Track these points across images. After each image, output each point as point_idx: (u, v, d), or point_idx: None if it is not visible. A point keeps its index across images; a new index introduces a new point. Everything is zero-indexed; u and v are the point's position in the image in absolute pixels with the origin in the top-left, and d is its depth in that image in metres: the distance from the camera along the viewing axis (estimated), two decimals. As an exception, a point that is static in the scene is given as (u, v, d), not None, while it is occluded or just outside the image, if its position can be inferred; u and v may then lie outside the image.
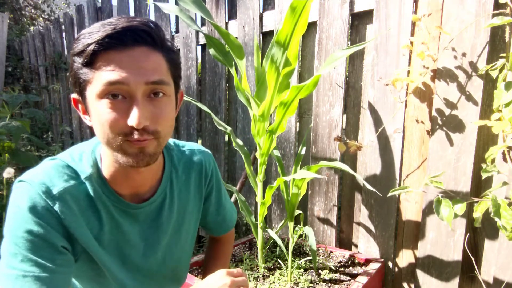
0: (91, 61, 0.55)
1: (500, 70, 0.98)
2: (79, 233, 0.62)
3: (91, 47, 0.54)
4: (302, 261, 1.30)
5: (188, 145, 0.82)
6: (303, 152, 1.30)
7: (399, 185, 1.28)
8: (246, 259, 1.34)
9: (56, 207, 0.59)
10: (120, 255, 0.70)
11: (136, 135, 0.56)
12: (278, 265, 1.31)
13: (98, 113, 0.56)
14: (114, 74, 0.54)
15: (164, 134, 0.61)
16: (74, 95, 0.62)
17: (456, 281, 1.18)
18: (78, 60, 0.56)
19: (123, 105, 0.56)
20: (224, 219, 0.91)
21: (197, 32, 1.95)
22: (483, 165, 0.99)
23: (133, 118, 0.55)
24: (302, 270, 1.27)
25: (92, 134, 3.13)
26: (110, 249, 0.68)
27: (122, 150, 0.58)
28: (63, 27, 3.24)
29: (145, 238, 0.72)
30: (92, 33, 0.55)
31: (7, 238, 0.57)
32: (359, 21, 1.38)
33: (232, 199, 1.66)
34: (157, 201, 0.73)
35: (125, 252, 0.70)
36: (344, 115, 1.45)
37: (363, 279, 1.14)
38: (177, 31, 2.17)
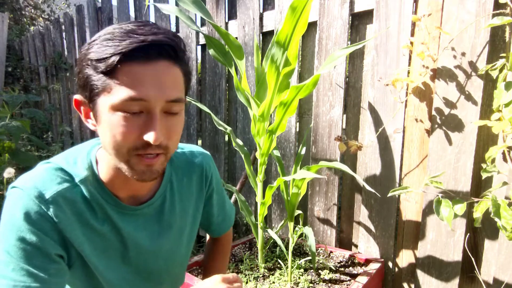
0: (112, 71, 0.53)
1: (500, 70, 0.98)
2: (74, 236, 0.61)
3: (115, 58, 0.52)
4: (302, 261, 1.30)
5: (187, 147, 0.82)
6: (303, 152, 1.30)
7: (399, 185, 1.28)
8: (246, 259, 1.34)
9: (50, 211, 0.58)
10: (118, 259, 0.68)
11: (147, 150, 0.56)
12: (278, 265, 1.31)
13: (111, 124, 0.55)
14: (136, 90, 0.53)
15: (173, 149, 0.61)
16: (78, 97, 0.60)
17: (456, 281, 1.18)
18: (95, 66, 0.53)
19: (139, 119, 0.55)
20: (224, 219, 0.92)
21: (197, 32, 1.95)
22: (483, 165, 0.99)
23: (151, 135, 0.54)
24: (302, 270, 1.27)
25: (92, 135, 3.14)
26: (107, 253, 0.66)
27: (129, 164, 0.57)
28: (63, 27, 3.24)
29: (146, 242, 0.71)
30: (115, 41, 0.52)
31: (0, 246, 0.56)
32: (359, 21, 1.38)
33: (232, 199, 1.66)
34: (155, 203, 0.72)
35: (124, 256, 0.69)
36: (344, 115, 1.45)
37: (363, 279, 1.14)
38: (177, 31, 2.17)
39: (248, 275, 1.23)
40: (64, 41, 3.25)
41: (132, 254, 0.70)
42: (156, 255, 0.73)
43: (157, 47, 0.54)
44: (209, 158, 0.83)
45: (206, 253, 0.98)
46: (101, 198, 0.64)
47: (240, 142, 1.28)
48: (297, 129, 1.61)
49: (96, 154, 0.66)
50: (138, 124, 0.55)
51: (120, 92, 0.53)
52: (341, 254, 1.39)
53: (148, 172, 0.58)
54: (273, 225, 1.72)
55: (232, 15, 1.83)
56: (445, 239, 1.19)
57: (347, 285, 1.16)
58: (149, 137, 0.54)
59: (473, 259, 1.17)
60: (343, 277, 1.21)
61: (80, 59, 0.56)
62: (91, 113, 0.59)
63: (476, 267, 1.17)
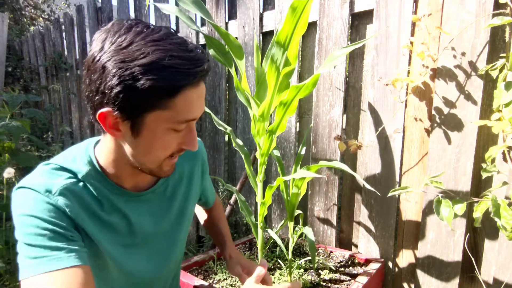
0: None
1: (500, 70, 0.98)
2: (86, 225, 0.64)
3: (185, 88, 0.56)
4: (302, 261, 1.30)
5: None
6: (303, 152, 1.30)
7: (399, 185, 1.28)
8: (246, 259, 1.34)
9: (60, 202, 0.60)
10: (127, 245, 0.72)
11: (180, 153, 0.66)
12: (278, 265, 1.31)
13: (158, 139, 0.60)
14: (191, 113, 0.60)
15: None
16: (106, 110, 0.57)
17: (456, 281, 1.18)
18: (151, 86, 0.54)
19: (181, 133, 0.62)
20: (212, 188, 1.03)
21: (197, 32, 1.95)
22: (483, 165, 0.99)
23: (194, 145, 0.64)
24: (302, 270, 1.27)
25: (92, 135, 3.14)
26: (117, 241, 0.70)
27: (159, 168, 0.65)
28: (63, 27, 3.24)
29: (150, 227, 0.75)
30: (182, 68, 0.55)
31: (21, 240, 0.58)
32: (359, 21, 1.38)
33: (232, 199, 1.67)
34: (158, 189, 0.76)
35: (132, 242, 0.72)
36: (344, 115, 1.45)
37: (363, 279, 1.14)
38: (177, 31, 2.16)
39: (248, 275, 1.23)
40: (64, 41, 3.24)
41: (138, 239, 0.73)
42: (159, 238, 0.78)
43: (205, 72, 0.60)
44: (202, 144, 0.91)
45: (210, 222, 1.09)
46: (105, 189, 0.67)
47: (240, 142, 1.28)
48: (297, 129, 1.61)
49: (94, 150, 0.69)
50: (179, 136, 0.63)
51: (177, 115, 0.58)
52: (341, 254, 1.39)
53: (171, 169, 0.68)
54: (273, 225, 1.72)
55: (232, 15, 1.83)
56: (445, 239, 1.19)
57: (347, 285, 1.15)
58: (193, 147, 0.64)
59: (473, 259, 1.17)
60: (343, 277, 1.21)
61: (118, 68, 0.54)
62: (121, 124, 0.59)
63: (476, 267, 1.17)
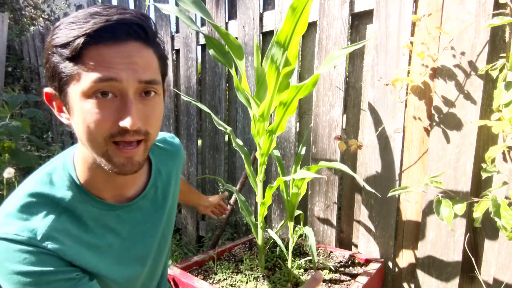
0: (78, 55, 0.49)
1: (500, 70, 0.98)
2: (84, 261, 0.59)
3: (80, 40, 0.48)
4: (302, 261, 1.30)
5: (161, 135, 0.85)
6: (303, 152, 1.30)
7: (399, 185, 1.28)
8: (246, 259, 1.34)
9: (50, 247, 0.54)
10: (131, 259, 0.69)
11: (126, 137, 0.53)
12: (278, 265, 1.31)
13: (84, 113, 0.51)
14: (105, 70, 0.49)
15: (153, 136, 0.58)
16: (48, 90, 0.56)
17: (456, 281, 1.18)
18: (61, 52, 0.50)
19: (113, 104, 0.51)
20: None
21: (197, 32, 1.95)
22: (483, 165, 0.99)
23: (127, 121, 0.51)
24: (302, 270, 1.27)
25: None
26: (122, 261, 0.66)
27: (107, 156, 0.54)
28: (63, 27, 3.24)
29: (150, 233, 0.72)
30: (79, 23, 0.49)
31: None
32: (359, 21, 1.38)
33: (232, 199, 1.66)
34: (149, 194, 0.72)
35: (134, 254, 0.69)
36: (344, 115, 1.45)
37: (363, 279, 1.14)
38: (177, 31, 2.17)
39: (248, 275, 1.23)
40: (64, 41, 3.24)
41: (138, 248, 0.70)
42: (157, 241, 0.75)
43: (125, 26, 0.51)
44: (178, 139, 0.90)
45: (185, 193, 1.17)
46: (94, 208, 0.61)
47: (240, 142, 1.28)
48: (297, 129, 1.61)
49: (73, 160, 0.62)
50: (112, 110, 0.51)
51: (89, 75, 0.49)
52: (341, 254, 1.39)
53: (128, 164, 0.55)
54: (273, 225, 1.72)
55: (232, 15, 1.83)
56: (445, 239, 1.19)
57: (347, 285, 1.15)
58: (125, 122, 0.51)
59: (473, 259, 1.17)
60: (343, 277, 1.21)
61: (45, 48, 0.53)
62: (64, 107, 0.56)
63: (476, 267, 1.17)
